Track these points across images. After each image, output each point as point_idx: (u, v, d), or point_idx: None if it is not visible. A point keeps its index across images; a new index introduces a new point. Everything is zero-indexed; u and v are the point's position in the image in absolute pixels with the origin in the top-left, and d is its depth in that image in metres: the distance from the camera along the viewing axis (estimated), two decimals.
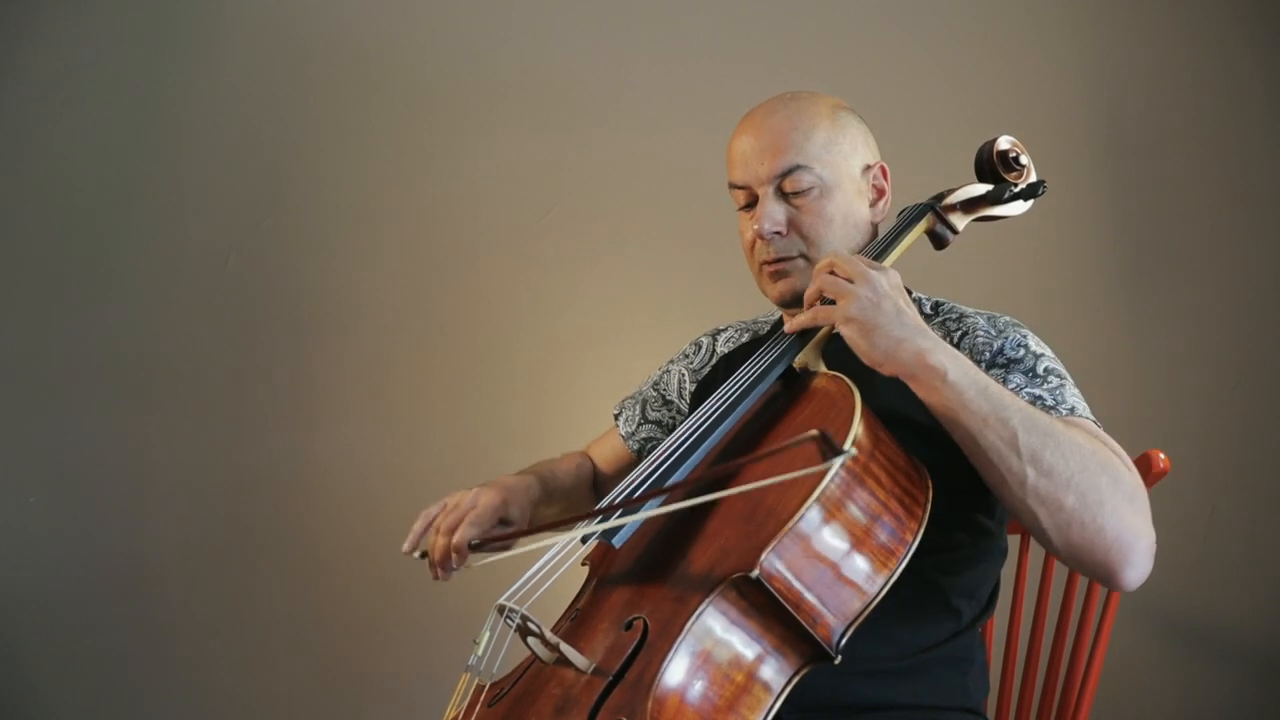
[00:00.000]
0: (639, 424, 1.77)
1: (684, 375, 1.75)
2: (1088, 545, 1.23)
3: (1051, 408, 1.35)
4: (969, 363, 1.27)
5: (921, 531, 1.22)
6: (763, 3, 2.53)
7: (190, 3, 2.56)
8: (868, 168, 1.56)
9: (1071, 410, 1.36)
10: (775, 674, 1.15)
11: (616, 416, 1.80)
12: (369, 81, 2.57)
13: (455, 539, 1.42)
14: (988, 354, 1.43)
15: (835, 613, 1.16)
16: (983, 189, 1.60)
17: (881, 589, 1.18)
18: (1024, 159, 1.63)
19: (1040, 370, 1.41)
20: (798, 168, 1.50)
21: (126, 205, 2.54)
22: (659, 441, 1.73)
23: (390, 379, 2.55)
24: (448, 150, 2.57)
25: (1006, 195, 1.58)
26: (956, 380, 1.24)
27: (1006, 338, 1.45)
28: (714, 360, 1.73)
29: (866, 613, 1.18)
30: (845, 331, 1.27)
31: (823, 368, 1.39)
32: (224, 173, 2.55)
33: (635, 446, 1.77)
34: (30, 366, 2.50)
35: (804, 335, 1.42)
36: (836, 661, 1.16)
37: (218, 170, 2.55)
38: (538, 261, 2.55)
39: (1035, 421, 1.24)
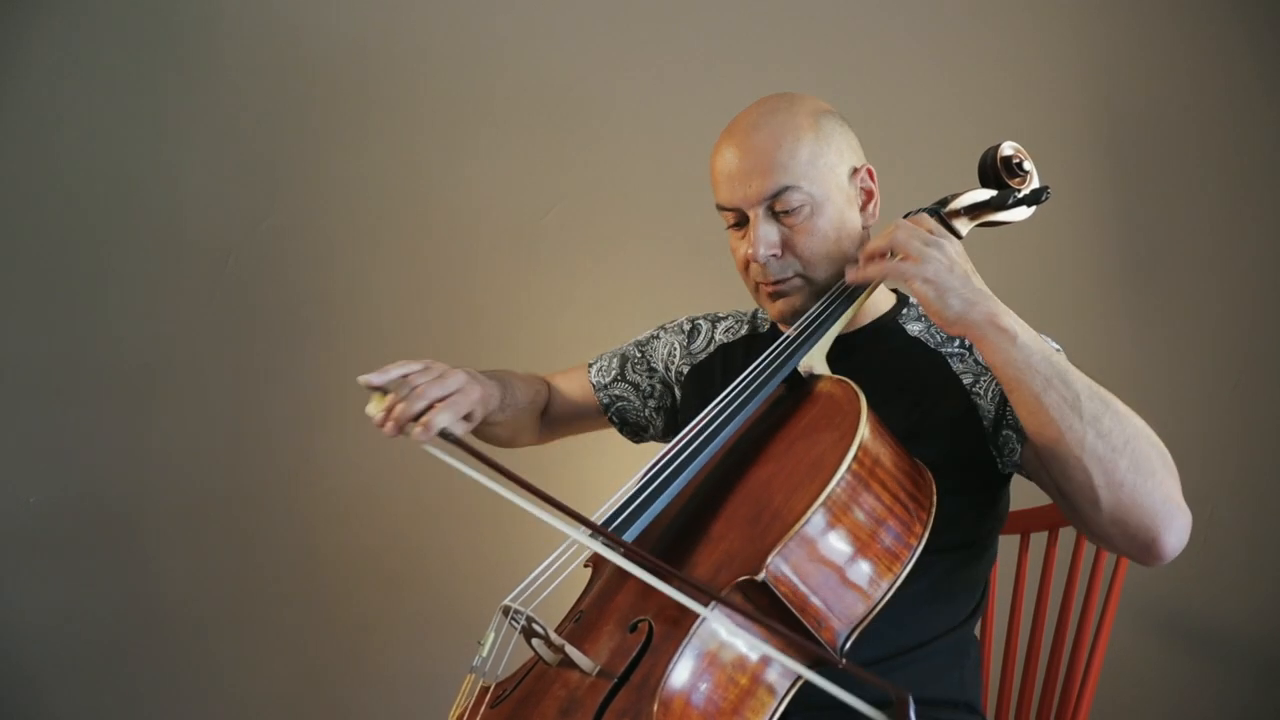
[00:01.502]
0: (614, 379, 1.75)
1: (675, 349, 1.74)
2: (1136, 507, 1.26)
3: None
4: (1033, 331, 1.30)
5: (927, 535, 1.23)
6: (763, 4, 2.53)
7: (190, 4, 2.56)
8: (855, 171, 1.54)
9: None
10: (780, 677, 1.15)
11: (590, 365, 1.79)
12: (368, 81, 2.57)
13: (430, 416, 1.34)
14: None
15: (840, 616, 1.17)
16: (986, 194, 1.60)
17: (886, 593, 1.19)
18: (1027, 165, 1.63)
19: None
20: (787, 189, 1.47)
21: (126, 205, 2.53)
22: (629, 403, 1.74)
23: None
24: (447, 150, 2.57)
25: (1010, 201, 1.58)
26: (1027, 343, 1.27)
27: None
28: (711, 347, 1.72)
29: (871, 616, 1.18)
30: (921, 290, 1.29)
31: (827, 371, 1.39)
32: (224, 173, 2.55)
33: (605, 400, 1.75)
34: (30, 366, 2.50)
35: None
36: (842, 665, 1.16)
37: (218, 170, 2.55)
38: (538, 261, 2.55)
39: (1094, 388, 1.28)
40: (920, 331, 1.54)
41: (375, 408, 1.37)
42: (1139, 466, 1.26)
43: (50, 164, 2.53)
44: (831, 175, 1.50)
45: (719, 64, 2.52)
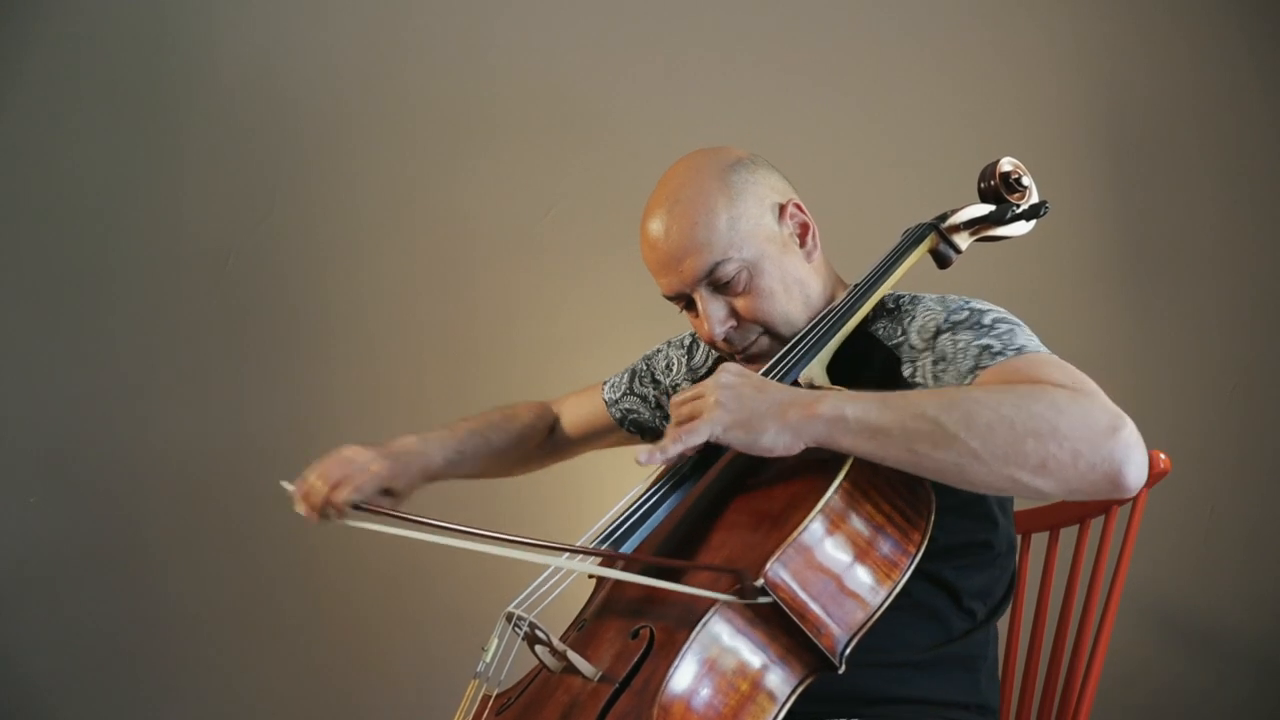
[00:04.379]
0: (624, 393, 1.78)
1: (674, 363, 1.75)
2: (1078, 474, 1.16)
3: (999, 352, 1.31)
4: (851, 392, 1.23)
5: (925, 543, 1.22)
6: (761, 8, 2.53)
7: (189, 8, 2.56)
8: (781, 211, 1.48)
9: (1020, 349, 1.31)
10: (780, 683, 1.16)
11: (604, 384, 1.82)
12: (367, 83, 2.57)
13: (335, 496, 1.50)
14: (934, 326, 1.40)
15: (839, 623, 1.17)
16: (985, 209, 1.61)
17: (885, 600, 1.19)
18: (1026, 180, 1.63)
19: (987, 322, 1.37)
20: (717, 264, 1.43)
21: (127, 206, 2.54)
22: (641, 415, 1.76)
23: (389, 378, 2.56)
24: (446, 151, 2.57)
25: (1009, 216, 1.58)
26: (857, 414, 1.18)
27: (950, 307, 1.42)
28: (710, 361, 1.72)
29: (870, 623, 1.19)
30: (732, 439, 1.20)
31: (827, 383, 1.39)
32: (223, 174, 2.55)
33: (618, 415, 1.78)
34: (31, 367, 2.50)
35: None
36: (841, 671, 1.16)
37: (217, 171, 2.55)
38: (536, 263, 2.55)
39: (946, 397, 1.19)
40: (881, 331, 1.50)
41: (300, 507, 1.54)
42: (1044, 435, 1.14)
43: (51, 166, 2.53)
44: (758, 230, 1.46)
45: (717, 67, 2.52)
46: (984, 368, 1.29)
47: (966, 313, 1.39)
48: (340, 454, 1.55)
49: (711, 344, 1.50)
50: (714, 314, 1.46)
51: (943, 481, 1.21)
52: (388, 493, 1.57)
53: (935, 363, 1.36)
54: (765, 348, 1.48)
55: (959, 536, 1.37)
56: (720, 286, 1.45)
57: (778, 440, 1.19)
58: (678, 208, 1.45)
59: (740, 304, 1.46)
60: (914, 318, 1.44)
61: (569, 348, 2.51)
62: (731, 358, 1.53)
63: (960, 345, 1.34)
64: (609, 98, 2.55)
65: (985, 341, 1.33)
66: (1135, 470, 1.17)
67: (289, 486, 1.55)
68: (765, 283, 1.45)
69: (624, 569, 1.24)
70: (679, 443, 1.22)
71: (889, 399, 1.20)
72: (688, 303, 1.49)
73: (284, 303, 2.56)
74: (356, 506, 1.50)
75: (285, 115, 2.56)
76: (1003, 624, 1.77)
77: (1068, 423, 1.15)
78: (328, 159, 2.57)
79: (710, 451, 1.29)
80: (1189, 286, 2.39)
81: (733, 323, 1.47)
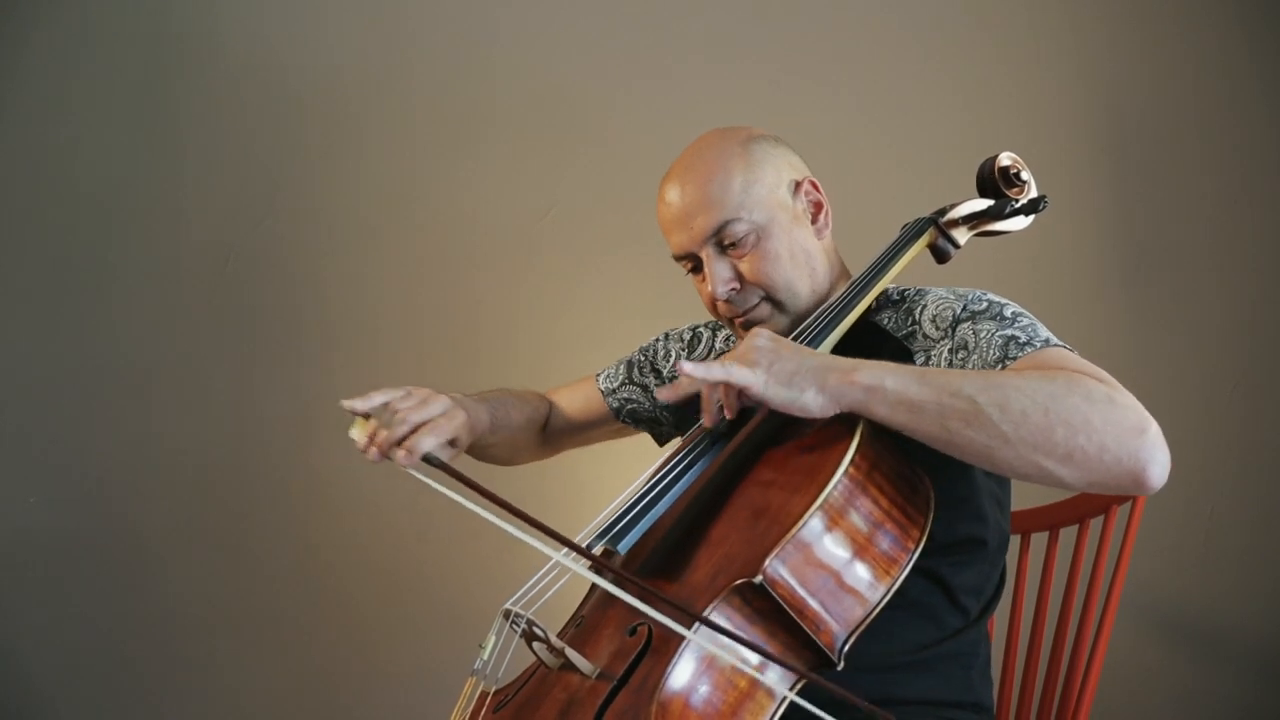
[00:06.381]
0: (622, 383, 1.77)
1: (674, 354, 1.75)
2: (1103, 467, 1.18)
3: (1025, 343, 1.32)
4: (891, 364, 1.24)
5: (924, 540, 1.23)
6: (760, 8, 2.53)
7: (190, 8, 2.56)
8: (797, 186, 1.52)
9: (1046, 341, 1.33)
10: (778, 680, 1.16)
11: (597, 375, 1.81)
12: (367, 84, 2.57)
13: (413, 440, 1.35)
14: (951, 316, 1.41)
15: (838, 619, 1.17)
16: (984, 204, 1.61)
17: (883, 597, 1.19)
18: (1025, 175, 1.63)
19: (1008, 315, 1.39)
20: (727, 222, 1.46)
21: (127, 206, 2.54)
22: (640, 404, 1.75)
23: (389, 379, 2.52)
24: (446, 151, 2.57)
25: (1007, 210, 1.59)
26: (896, 386, 1.20)
27: (967, 298, 1.43)
28: (711, 356, 1.72)
29: (869, 620, 1.19)
30: (772, 394, 1.21)
31: None
32: (224, 174, 2.56)
33: (615, 405, 1.77)
34: (31, 366, 2.51)
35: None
36: (839, 668, 1.16)
37: (218, 171, 2.56)
38: (536, 263, 2.55)
39: (985, 379, 1.20)
40: (888, 322, 1.52)
41: (359, 432, 1.38)
42: (1075, 425, 1.16)
43: (51, 165, 2.53)
44: (771, 198, 1.49)
45: (717, 65, 2.52)
46: (1013, 358, 1.31)
47: (985, 303, 1.41)
48: (413, 393, 1.41)
49: (713, 306, 1.52)
50: (719, 273, 1.48)
51: (968, 460, 1.22)
52: (451, 444, 1.43)
53: (954, 351, 1.37)
54: (765, 315, 1.50)
55: (952, 533, 1.37)
56: (727, 247, 1.48)
57: (814, 402, 1.21)
58: (696, 166, 1.50)
59: (745, 266, 1.48)
60: (925, 307, 1.46)
61: (569, 347, 2.51)
62: (730, 323, 1.54)
63: (983, 335, 1.36)
64: (609, 98, 2.55)
65: (1010, 333, 1.34)
66: (1159, 470, 1.19)
67: (351, 408, 1.37)
68: (772, 246, 1.48)
69: (618, 571, 1.24)
70: (723, 370, 1.22)
71: (927, 374, 1.22)
72: (694, 265, 1.52)
73: (284, 302, 2.56)
74: (428, 459, 1.33)
75: (286, 115, 2.56)
76: (1003, 623, 1.78)
77: (1100, 416, 1.17)
78: (328, 158, 2.57)
79: (726, 429, 1.30)
80: (1189, 286, 2.39)
81: (735, 285, 1.49)
